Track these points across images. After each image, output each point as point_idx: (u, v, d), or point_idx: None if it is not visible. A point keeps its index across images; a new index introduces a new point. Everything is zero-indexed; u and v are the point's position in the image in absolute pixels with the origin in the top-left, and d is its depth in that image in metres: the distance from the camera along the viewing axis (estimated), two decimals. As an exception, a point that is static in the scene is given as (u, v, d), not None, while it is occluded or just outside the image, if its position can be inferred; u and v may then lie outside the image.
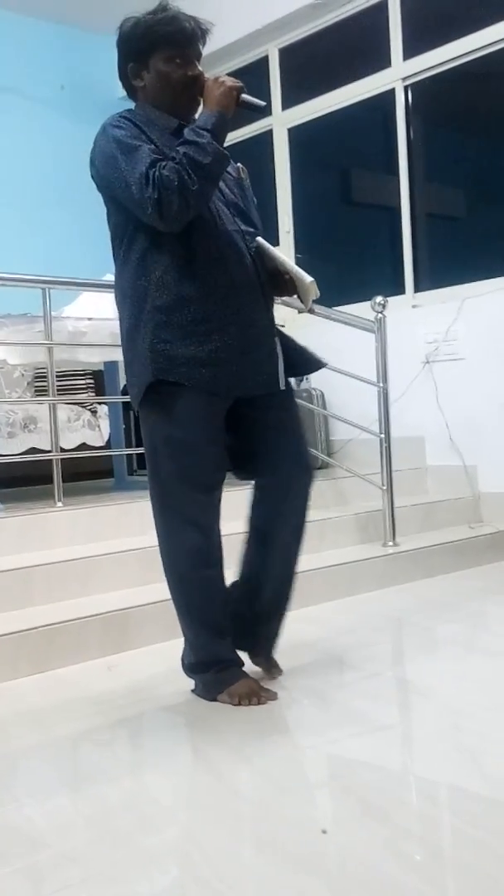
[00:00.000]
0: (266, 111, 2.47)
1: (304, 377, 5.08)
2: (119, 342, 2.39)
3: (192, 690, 2.41)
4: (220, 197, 2.31)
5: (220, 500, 2.36)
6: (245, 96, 2.25)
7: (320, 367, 2.51)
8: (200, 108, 2.30)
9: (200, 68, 2.30)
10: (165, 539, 2.36)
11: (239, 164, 2.44)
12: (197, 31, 2.28)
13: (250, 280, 2.30)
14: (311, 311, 2.58)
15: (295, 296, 2.46)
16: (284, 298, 2.66)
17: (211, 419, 2.29)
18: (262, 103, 2.31)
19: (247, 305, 2.28)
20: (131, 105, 2.42)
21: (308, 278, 2.34)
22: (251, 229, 2.36)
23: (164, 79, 2.28)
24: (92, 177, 2.29)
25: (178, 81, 2.27)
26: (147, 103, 2.33)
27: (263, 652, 2.52)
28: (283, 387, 2.39)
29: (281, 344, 2.39)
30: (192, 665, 2.41)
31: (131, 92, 2.39)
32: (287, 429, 2.41)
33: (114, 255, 2.34)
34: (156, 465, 2.31)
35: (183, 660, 2.45)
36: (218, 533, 2.36)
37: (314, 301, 2.43)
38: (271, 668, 2.52)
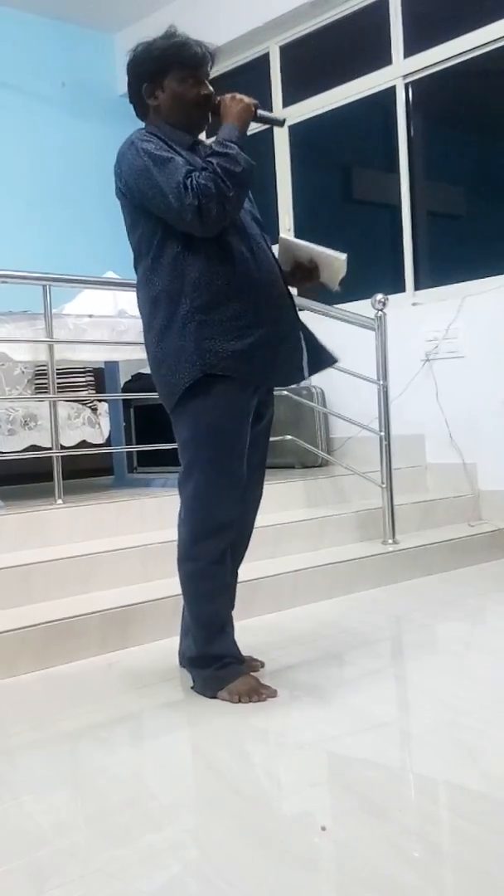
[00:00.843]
0: (283, 125, 2.55)
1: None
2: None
3: (192, 687, 2.42)
4: None
5: None
6: (262, 111, 2.39)
7: (334, 363, 2.61)
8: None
9: (211, 88, 2.40)
10: (192, 526, 2.38)
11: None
12: (207, 54, 2.40)
13: (276, 279, 2.41)
14: (336, 292, 2.62)
15: (320, 282, 2.53)
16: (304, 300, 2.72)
17: (248, 413, 2.38)
18: (281, 117, 2.46)
19: (276, 302, 2.39)
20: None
21: (342, 255, 2.44)
22: (265, 234, 2.48)
23: (177, 98, 2.38)
24: (118, 189, 2.37)
25: (191, 100, 2.38)
26: (160, 122, 2.41)
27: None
28: (307, 378, 2.51)
29: (304, 338, 2.47)
30: (193, 660, 2.42)
31: (142, 111, 2.47)
32: (264, 440, 2.57)
33: (137, 263, 2.41)
34: (195, 455, 2.35)
35: (184, 654, 2.47)
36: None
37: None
38: (252, 662, 2.55)
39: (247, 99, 2.35)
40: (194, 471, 2.36)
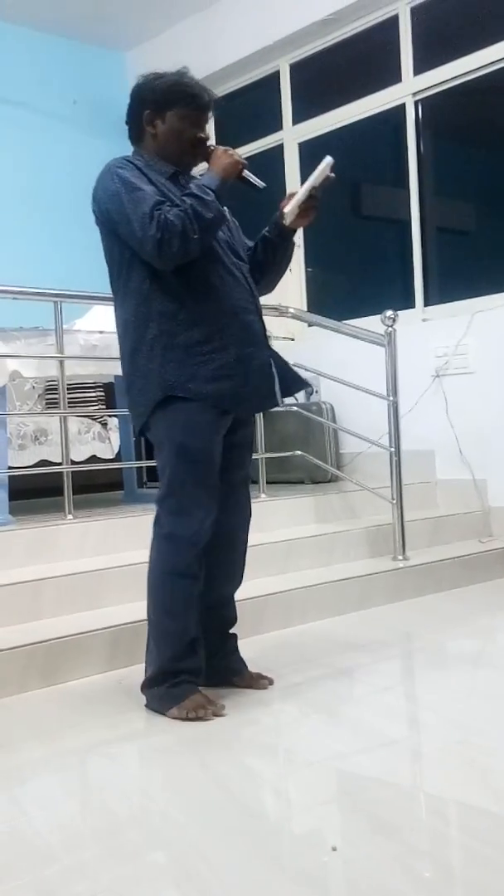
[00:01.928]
0: (263, 192, 2.60)
1: (314, 390, 5.10)
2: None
3: (146, 705, 2.42)
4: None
5: None
6: (247, 173, 2.44)
7: (306, 387, 2.68)
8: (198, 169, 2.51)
9: (207, 135, 2.48)
10: (166, 541, 2.39)
11: (225, 208, 2.53)
12: (210, 102, 2.48)
13: (247, 306, 2.46)
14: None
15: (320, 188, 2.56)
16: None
17: (216, 431, 2.41)
18: (262, 184, 2.50)
19: (243, 329, 2.43)
20: None
21: (325, 161, 2.50)
22: (241, 262, 2.51)
23: (175, 133, 2.45)
24: (93, 212, 2.45)
25: (187, 139, 2.45)
26: (151, 150, 2.47)
27: (245, 667, 2.57)
28: (280, 405, 2.53)
29: (275, 364, 2.49)
30: (149, 679, 2.42)
31: (137, 136, 2.52)
32: (245, 458, 2.58)
33: (112, 286, 2.48)
34: (170, 473, 2.38)
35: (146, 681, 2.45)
36: None
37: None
38: (260, 680, 2.55)
39: (237, 156, 2.41)
40: (172, 487, 2.39)
